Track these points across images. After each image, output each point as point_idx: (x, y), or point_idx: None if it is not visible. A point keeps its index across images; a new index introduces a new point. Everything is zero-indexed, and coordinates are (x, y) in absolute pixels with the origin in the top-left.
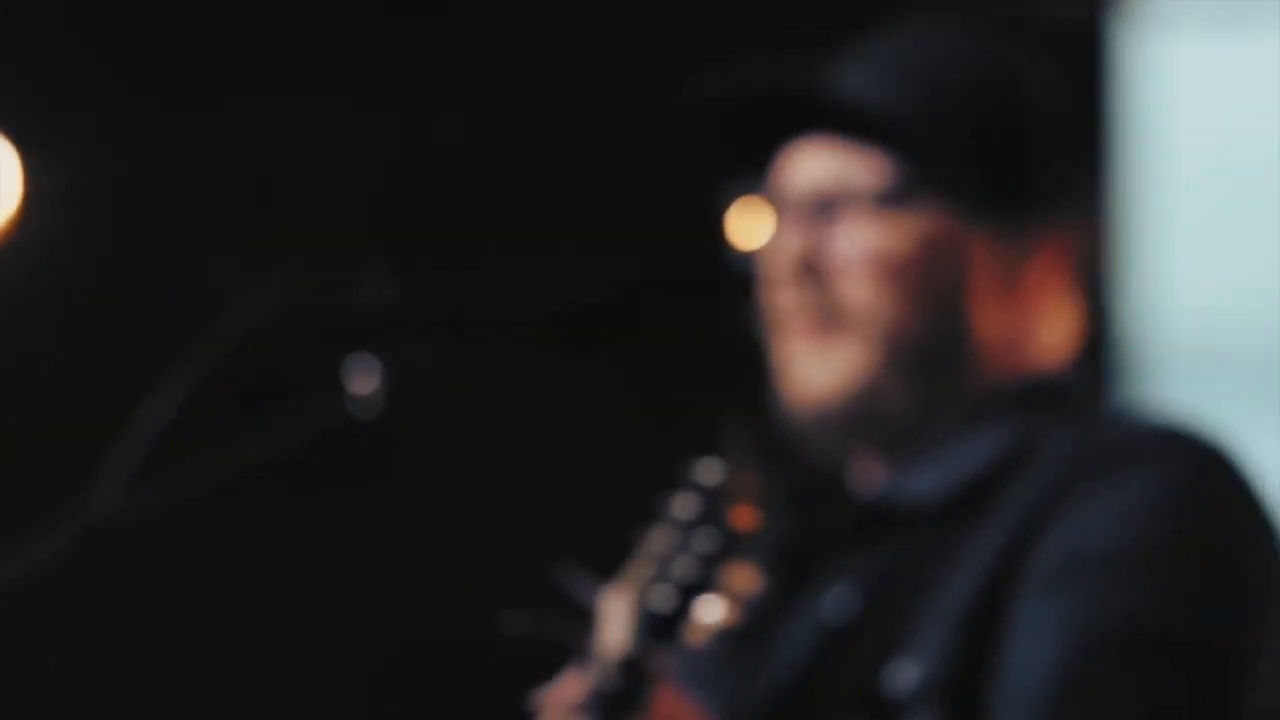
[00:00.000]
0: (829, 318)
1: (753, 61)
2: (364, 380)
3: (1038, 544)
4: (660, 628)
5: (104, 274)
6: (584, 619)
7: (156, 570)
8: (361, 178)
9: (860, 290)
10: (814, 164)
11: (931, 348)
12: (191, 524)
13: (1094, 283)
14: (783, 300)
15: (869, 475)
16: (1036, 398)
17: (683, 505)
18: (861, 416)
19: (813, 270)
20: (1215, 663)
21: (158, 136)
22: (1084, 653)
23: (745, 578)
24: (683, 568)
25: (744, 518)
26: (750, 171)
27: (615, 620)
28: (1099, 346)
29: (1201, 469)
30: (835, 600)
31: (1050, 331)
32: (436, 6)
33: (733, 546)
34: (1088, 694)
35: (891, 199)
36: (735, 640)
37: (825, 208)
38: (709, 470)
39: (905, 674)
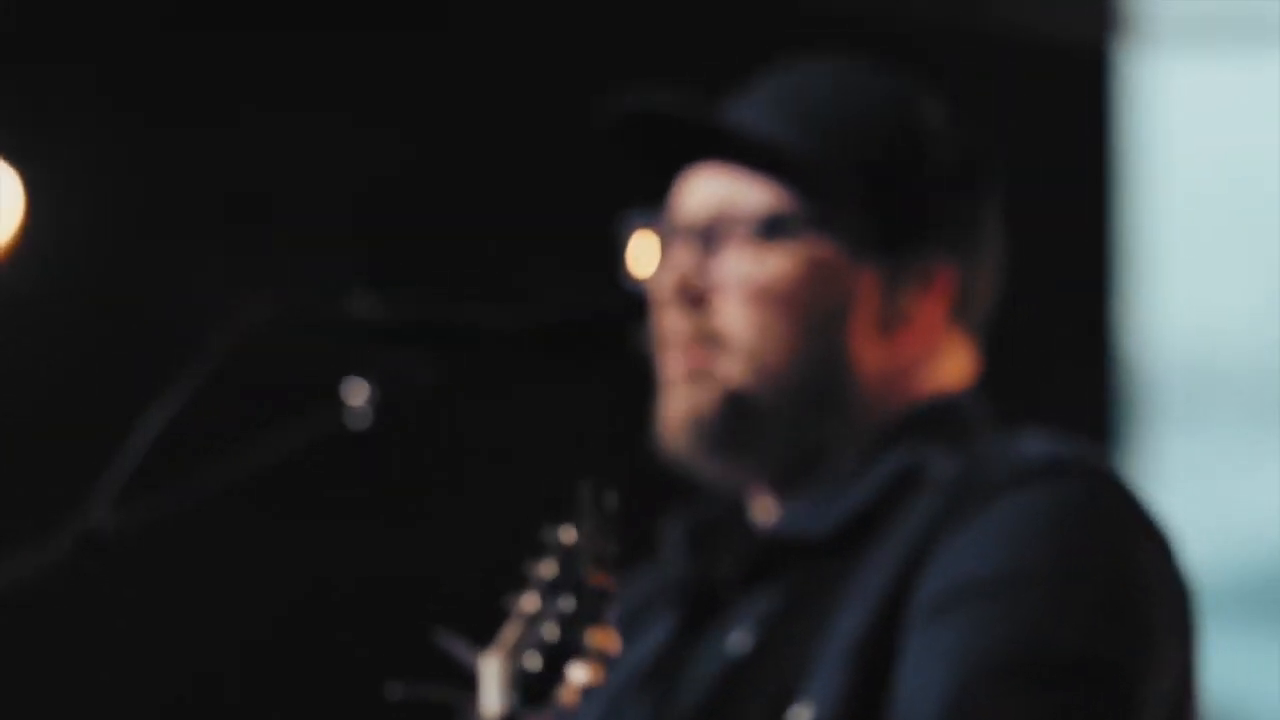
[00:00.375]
0: (707, 342)
1: (652, 89)
2: (357, 392)
3: (924, 573)
4: (533, 689)
5: (102, 288)
6: (465, 681)
7: (148, 583)
8: (352, 192)
9: (738, 317)
10: (705, 190)
11: (811, 377)
12: (182, 537)
13: (1095, 305)
14: (666, 323)
15: (765, 509)
16: (925, 427)
17: (545, 567)
18: (733, 441)
19: (694, 295)
20: (1104, 681)
21: (153, 153)
22: (972, 679)
23: (606, 639)
24: (549, 630)
25: (601, 579)
26: (651, 198)
27: (491, 682)
28: (1101, 367)
29: (1082, 490)
30: (734, 636)
31: (939, 364)
32: (431, 22)
33: (593, 607)
34: (977, 718)
35: (775, 228)
36: (641, 678)
37: (711, 233)
38: (567, 532)
39: (802, 716)
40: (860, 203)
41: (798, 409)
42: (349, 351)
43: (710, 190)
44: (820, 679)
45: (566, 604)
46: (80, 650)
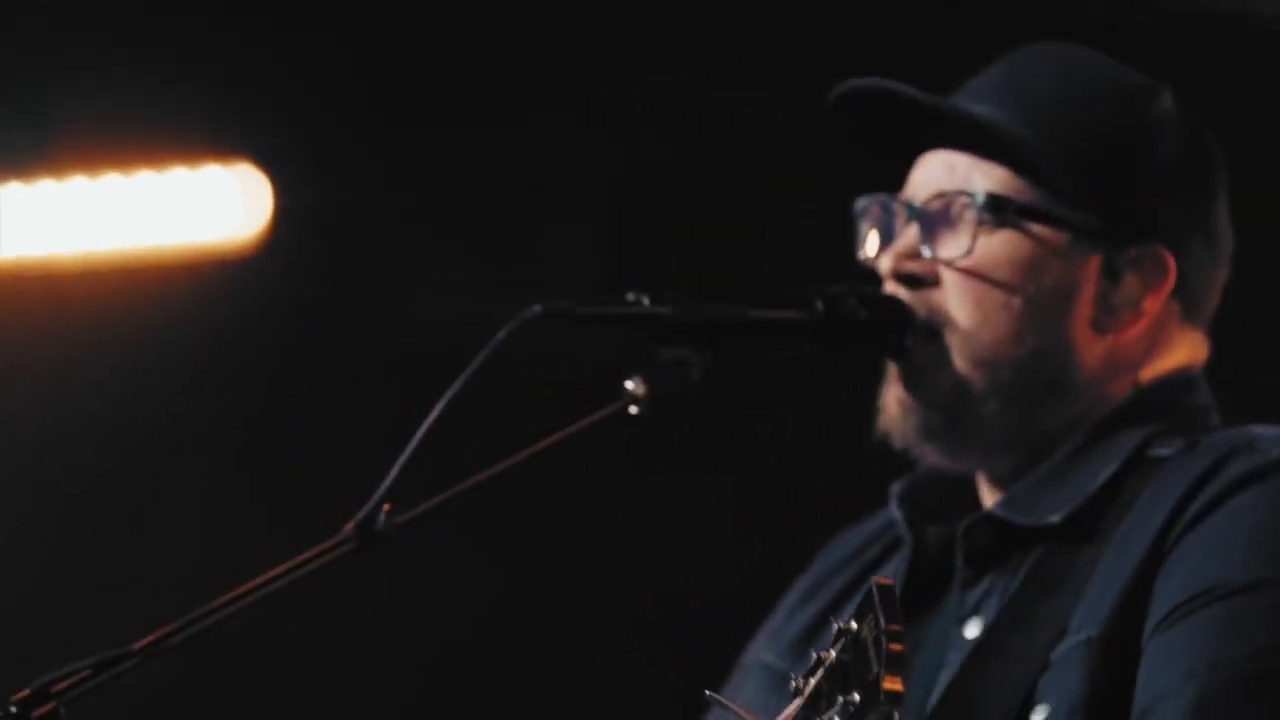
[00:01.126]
0: (931, 325)
1: (885, 79)
2: (638, 384)
3: (1165, 571)
4: None
5: (347, 288)
6: None
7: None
8: (609, 191)
9: (960, 298)
10: (932, 173)
11: (1031, 366)
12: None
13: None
14: None
15: (988, 492)
16: (1149, 412)
17: (834, 654)
18: (953, 431)
19: (916, 275)
20: None
21: (400, 159)
22: (1216, 686)
23: None
24: (835, 717)
25: (894, 683)
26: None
27: None
28: None
29: None
30: (969, 623)
31: (1164, 355)
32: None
33: (882, 709)
34: None
35: (999, 211)
36: None
37: (936, 214)
38: (858, 624)
39: (1041, 711)
40: (1085, 192)
41: (1018, 400)
42: (627, 348)
43: (937, 173)
44: (1058, 677)
45: (854, 696)
46: (352, 648)
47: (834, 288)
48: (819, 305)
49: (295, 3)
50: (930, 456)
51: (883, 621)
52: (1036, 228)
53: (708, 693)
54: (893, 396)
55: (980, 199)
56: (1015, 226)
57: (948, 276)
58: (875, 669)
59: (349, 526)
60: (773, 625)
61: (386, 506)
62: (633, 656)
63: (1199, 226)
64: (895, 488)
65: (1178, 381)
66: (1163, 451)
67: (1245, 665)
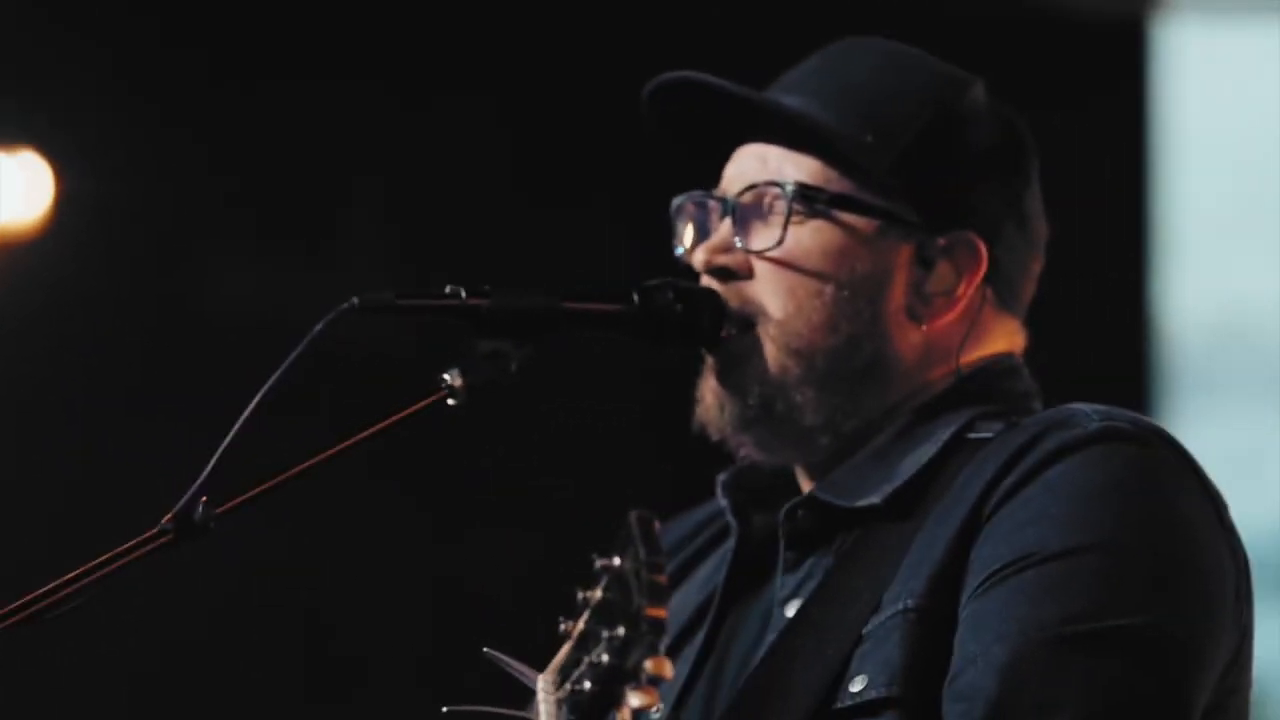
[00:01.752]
0: (739, 320)
1: (693, 68)
2: (455, 375)
3: (980, 542)
4: (585, 711)
5: (128, 275)
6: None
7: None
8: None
9: (772, 289)
10: (743, 165)
11: (846, 355)
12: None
13: (1131, 275)
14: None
15: (806, 480)
16: (968, 396)
17: (596, 593)
18: (769, 420)
19: (728, 268)
20: (1163, 650)
21: (183, 146)
22: (1029, 648)
23: (661, 667)
24: (601, 654)
25: (657, 611)
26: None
27: (544, 703)
28: (1136, 336)
29: (1140, 457)
30: (787, 603)
31: (980, 342)
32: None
33: (648, 636)
34: (1034, 688)
35: (810, 201)
36: (689, 641)
37: (748, 206)
38: (617, 559)
39: (859, 681)
40: (897, 180)
41: (833, 388)
42: (444, 339)
43: (750, 166)
44: (876, 648)
45: (619, 631)
46: (169, 638)
47: (650, 281)
48: (634, 298)
49: None
50: (746, 448)
51: (642, 553)
52: (847, 217)
53: (485, 650)
54: (708, 388)
55: (790, 189)
56: (826, 216)
57: (760, 268)
58: (638, 601)
59: (166, 518)
60: None
61: (204, 498)
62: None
63: (1011, 214)
64: (722, 477)
65: (998, 368)
66: (984, 433)
67: (1056, 629)
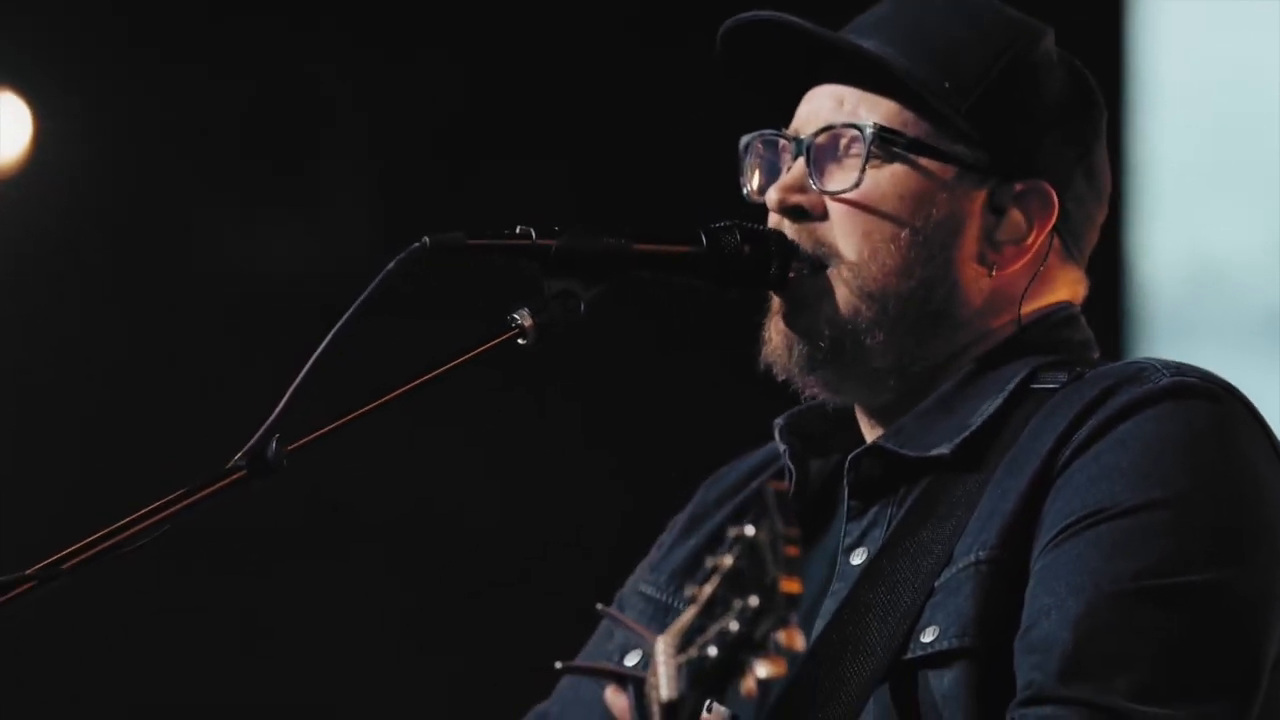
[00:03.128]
0: (811, 261)
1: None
2: (525, 315)
3: (1053, 495)
4: (706, 677)
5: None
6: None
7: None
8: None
9: (846, 231)
10: (819, 106)
11: (917, 299)
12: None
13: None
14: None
15: (870, 424)
16: (1033, 344)
17: (727, 561)
18: (839, 362)
19: (802, 209)
20: (1232, 604)
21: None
22: (1101, 600)
23: (792, 638)
24: (730, 622)
25: (791, 584)
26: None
27: (663, 666)
28: (1111, 283)
29: (1210, 412)
30: (856, 552)
31: (1047, 288)
32: None
33: (780, 608)
34: (1108, 641)
35: (885, 144)
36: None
37: (823, 148)
38: (751, 529)
39: (931, 632)
40: (971, 127)
41: (903, 332)
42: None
43: (825, 107)
44: (948, 598)
45: (751, 600)
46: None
47: (717, 223)
48: (702, 239)
49: None
50: (813, 388)
51: (779, 525)
52: (924, 161)
53: (599, 606)
54: (775, 329)
55: (869, 132)
56: (903, 160)
57: (835, 210)
58: (772, 572)
59: (238, 456)
60: (652, 559)
61: (276, 435)
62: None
63: (1080, 164)
64: (779, 421)
65: (1059, 317)
66: (1049, 384)
67: (1128, 583)
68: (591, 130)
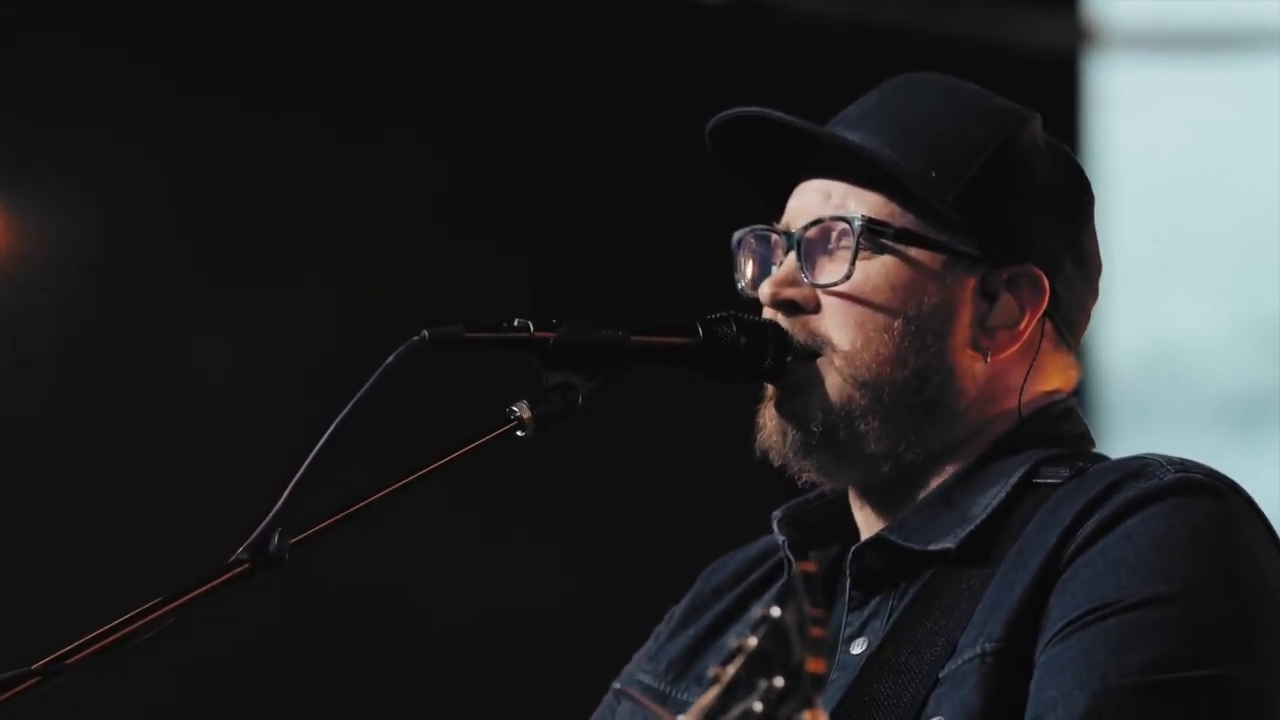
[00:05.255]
0: (803, 353)
1: (757, 108)
2: (523, 407)
3: (1058, 590)
4: None
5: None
6: None
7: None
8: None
9: (838, 323)
10: (808, 200)
11: (911, 388)
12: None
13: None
14: None
15: (866, 516)
16: (1034, 437)
17: (752, 641)
18: (833, 446)
19: (794, 302)
20: (1238, 700)
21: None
22: (1108, 695)
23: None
24: (753, 703)
25: (818, 664)
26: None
27: None
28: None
29: (1215, 509)
30: (857, 643)
31: (1040, 376)
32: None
33: (807, 689)
34: None
35: (875, 237)
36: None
37: (814, 241)
38: (777, 610)
39: None
40: (959, 215)
41: (898, 420)
42: (513, 371)
43: (814, 200)
44: (953, 690)
45: (776, 681)
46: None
47: (713, 314)
48: (699, 331)
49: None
50: (808, 472)
51: (806, 606)
52: (913, 251)
53: (615, 685)
54: (769, 415)
55: (857, 224)
56: (892, 251)
57: (827, 302)
58: (798, 653)
59: (242, 549)
60: (649, 649)
61: (279, 529)
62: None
63: (1070, 249)
64: (776, 514)
65: (1057, 410)
66: (1051, 479)
67: (1135, 676)
68: (573, 213)
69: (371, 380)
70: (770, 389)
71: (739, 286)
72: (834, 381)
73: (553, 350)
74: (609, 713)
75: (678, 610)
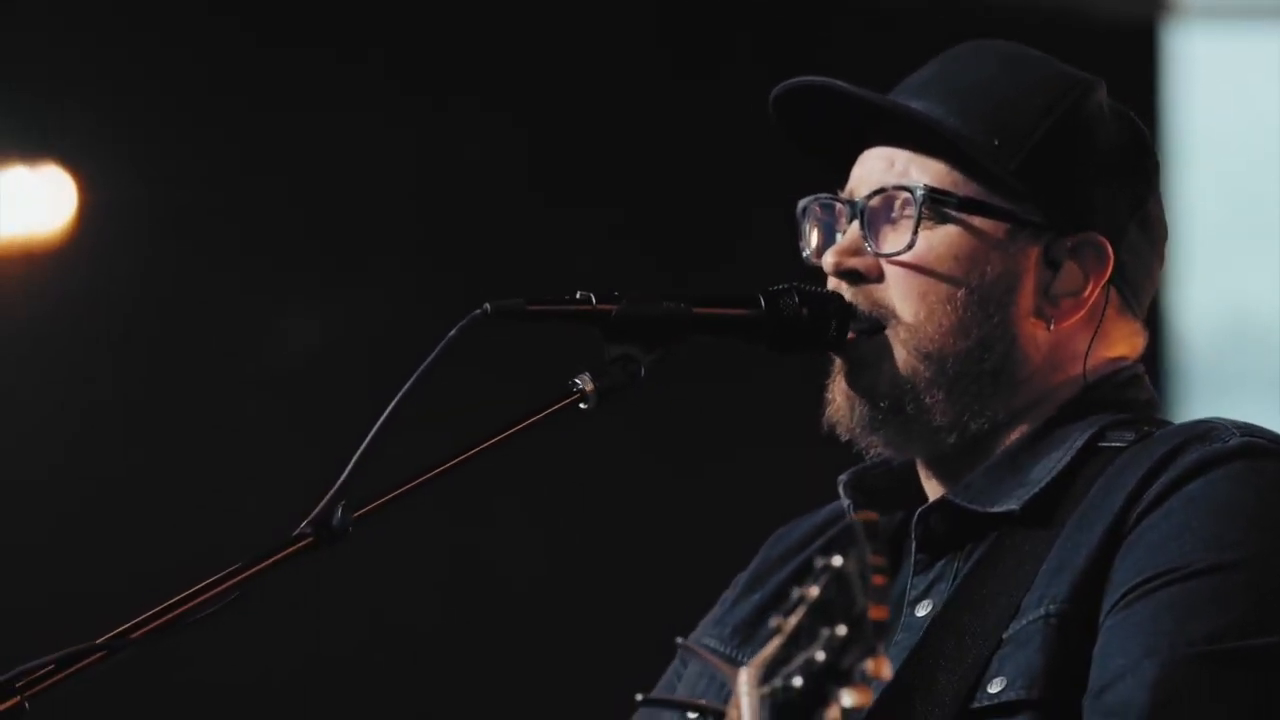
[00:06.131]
0: (868, 323)
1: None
2: (586, 380)
3: (1124, 554)
4: (790, 707)
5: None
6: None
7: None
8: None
9: (902, 293)
10: (875, 169)
11: (976, 357)
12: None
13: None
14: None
15: (932, 482)
16: (1100, 405)
17: (814, 591)
18: (899, 420)
19: (858, 272)
20: None
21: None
22: (1176, 663)
23: (880, 668)
24: (816, 652)
25: (879, 611)
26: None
27: (746, 696)
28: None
29: (1275, 474)
30: (922, 605)
31: (1105, 341)
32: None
33: (869, 636)
34: (1185, 705)
35: (938, 206)
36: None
37: (877, 211)
38: (839, 559)
39: (998, 683)
40: (1023, 183)
41: (963, 390)
42: (576, 343)
43: (877, 169)
44: (1016, 651)
45: (839, 629)
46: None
47: (775, 286)
48: (761, 302)
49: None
50: (876, 447)
51: (867, 554)
52: (977, 220)
53: (678, 640)
54: (838, 389)
55: (919, 194)
56: (955, 220)
57: (891, 272)
58: (860, 601)
59: (305, 523)
60: (715, 615)
61: (342, 502)
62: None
63: (1135, 216)
64: (843, 478)
65: (1124, 376)
66: (1116, 442)
67: (1204, 646)
68: (645, 186)
69: (434, 353)
70: (839, 363)
71: (804, 255)
72: (899, 355)
73: (614, 322)
74: (676, 671)
75: (743, 577)
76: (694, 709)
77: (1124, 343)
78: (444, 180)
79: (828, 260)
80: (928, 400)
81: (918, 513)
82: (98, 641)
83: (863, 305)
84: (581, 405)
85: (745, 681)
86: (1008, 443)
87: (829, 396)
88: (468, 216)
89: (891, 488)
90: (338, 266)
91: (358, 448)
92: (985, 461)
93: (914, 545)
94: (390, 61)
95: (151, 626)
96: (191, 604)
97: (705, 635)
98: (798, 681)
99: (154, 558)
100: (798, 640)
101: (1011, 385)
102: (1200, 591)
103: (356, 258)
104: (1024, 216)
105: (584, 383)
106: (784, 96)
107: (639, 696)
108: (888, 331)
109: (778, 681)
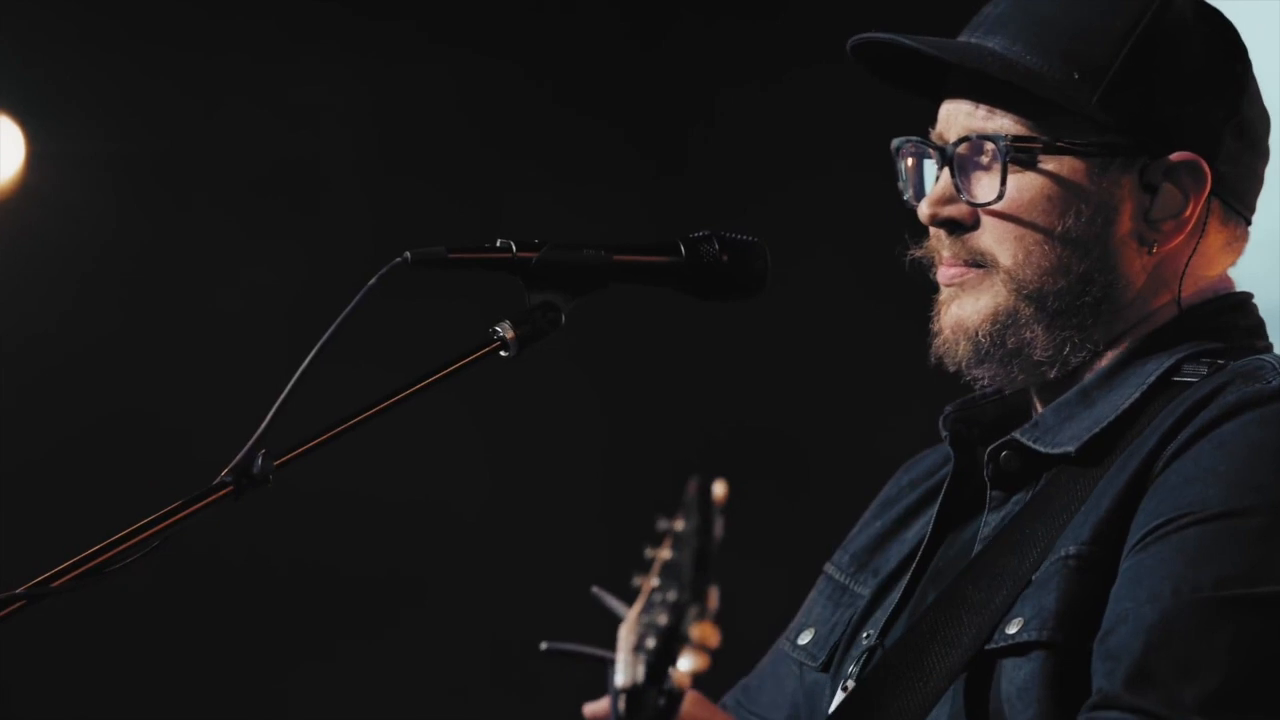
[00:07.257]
0: (970, 262)
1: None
2: (506, 327)
3: (1149, 495)
4: (652, 665)
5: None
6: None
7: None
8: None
9: (997, 239)
10: (960, 114)
11: (1075, 293)
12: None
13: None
14: (933, 244)
15: (1037, 409)
16: (1193, 333)
17: (662, 552)
18: (1002, 354)
19: (952, 220)
20: None
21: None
22: (1178, 609)
23: (706, 634)
24: (661, 614)
25: (704, 574)
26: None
27: (624, 654)
28: None
29: None
30: (987, 535)
31: (1210, 256)
32: None
33: (696, 602)
34: (1178, 649)
35: (1022, 152)
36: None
37: (965, 159)
38: (678, 520)
39: (1015, 624)
40: (1109, 112)
41: (1066, 324)
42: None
43: (962, 114)
44: (1036, 592)
45: (676, 594)
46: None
47: (695, 233)
48: (681, 250)
49: None
50: (981, 379)
51: (696, 520)
52: (1065, 160)
53: (593, 589)
54: (945, 323)
55: (1003, 144)
56: (1044, 163)
57: (985, 219)
58: (687, 567)
59: (225, 472)
60: (847, 538)
61: (262, 450)
62: None
63: (1228, 123)
64: (947, 409)
65: (1224, 302)
66: (1189, 377)
67: (1209, 590)
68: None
69: (354, 302)
70: (944, 293)
71: (905, 197)
72: (1000, 294)
73: (535, 270)
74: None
75: (874, 502)
76: (594, 660)
77: (1223, 252)
78: (392, 127)
79: (923, 211)
80: (1028, 335)
81: (989, 451)
82: (17, 591)
83: (962, 253)
84: (502, 353)
85: (621, 639)
86: (1093, 372)
87: (935, 328)
88: (409, 164)
89: (1002, 415)
90: (280, 209)
91: (277, 396)
92: (1062, 396)
93: (988, 483)
94: (342, 9)
95: (72, 575)
96: (112, 552)
97: (829, 561)
98: (652, 643)
99: (103, 510)
100: (652, 602)
101: (1113, 312)
102: (1214, 535)
103: (305, 205)
104: (1114, 146)
105: (504, 330)
106: (859, 47)
107: (543, 645)
108: (989, 270)
109: (642, 640)
